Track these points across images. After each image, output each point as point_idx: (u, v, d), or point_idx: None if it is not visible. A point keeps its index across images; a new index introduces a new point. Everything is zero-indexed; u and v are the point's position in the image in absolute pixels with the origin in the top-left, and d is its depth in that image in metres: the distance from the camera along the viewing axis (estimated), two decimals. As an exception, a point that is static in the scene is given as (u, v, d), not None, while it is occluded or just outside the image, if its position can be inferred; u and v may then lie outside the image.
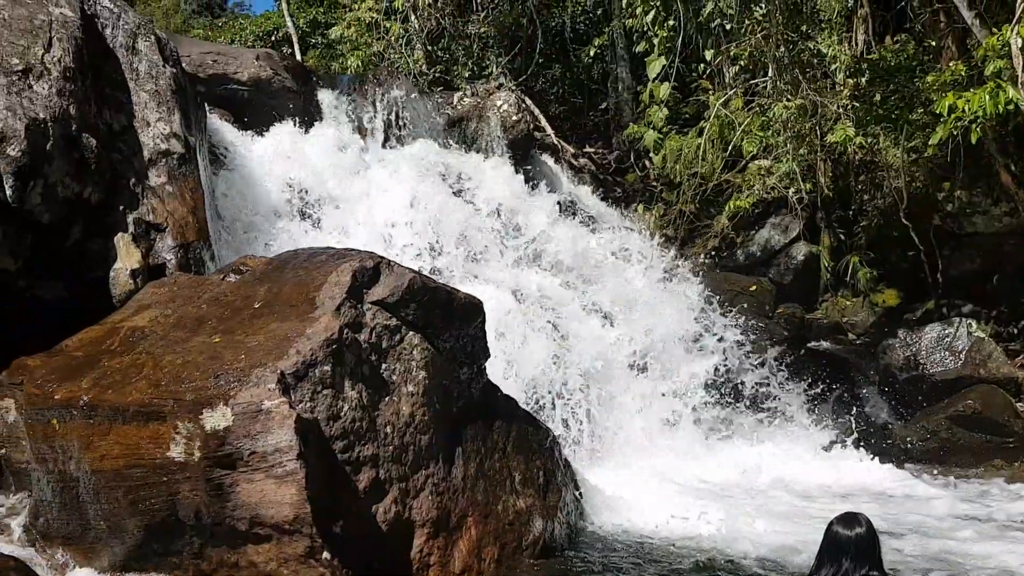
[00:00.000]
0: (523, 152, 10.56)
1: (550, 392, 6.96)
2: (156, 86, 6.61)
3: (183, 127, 6.56)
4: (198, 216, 6.10)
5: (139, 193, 6.03)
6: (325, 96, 9.10)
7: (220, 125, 7.80)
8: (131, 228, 5.88)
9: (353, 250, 5.05)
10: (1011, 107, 6.76)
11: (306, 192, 7.74)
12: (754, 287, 9.16)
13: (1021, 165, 8.28)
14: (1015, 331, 8.41)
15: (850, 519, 3.35)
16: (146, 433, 4.15)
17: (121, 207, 5.93)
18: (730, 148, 8.60)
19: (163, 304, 5.08)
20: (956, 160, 8.21)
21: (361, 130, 9.06)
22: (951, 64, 8.00)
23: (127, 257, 5.74)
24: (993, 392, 7.51)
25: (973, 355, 7.72)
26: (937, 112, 7.20)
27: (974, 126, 6.96)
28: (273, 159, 7.80)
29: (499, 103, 10.71)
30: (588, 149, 13.05)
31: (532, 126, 11.45)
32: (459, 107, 10.57)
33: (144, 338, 4.75)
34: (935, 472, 7.09)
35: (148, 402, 4.19)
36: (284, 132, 8.24)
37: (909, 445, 7.51)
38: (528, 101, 12.06)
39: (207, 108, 7.70)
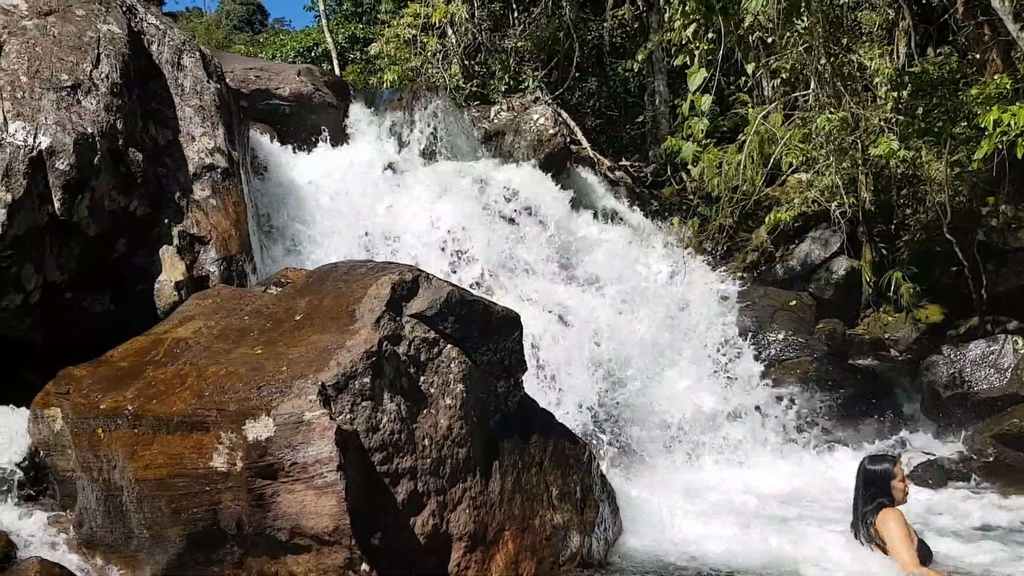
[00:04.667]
0: (559, 165, 10.57)
1: (591, 408, 6.94)
2: (201, 101, 6.73)
3: (227, 142, 6.67)
4: (240, 229, 6.19)
5: (183, 206, 6.14)
6: (363, 111, 9.19)
7: (262, 140, 7.92)
8: (175, 241, 5.99)
9: (392, 263, 5.09)
10: (1058, 120, 6.64)
11: (348, 205, 7.81)
12: (794, 302, 9.06)
13: (1068, 180, 8.12)
14: (1062, 348, 8.21)
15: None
16: (189, 443, 4.20)
17: (166, 220, 6.04)
18: (771, 162, 8.53)
19: (206, 315, 5.14)
20: (1001, 174, 8.07)
21: (399, 144, 9.14)
22: (995, 77, 7.87)
23: (171, 269, 5.84)
24: (1039, 410, 7.34)
25: (1020, 372, 7.54)
26: (982, 126, 7.09)
27: (1021, 140, 6.83)
28: (314, 173, 7.87)
29: (535, 116, 10.75)
30: (624, 162, 13.05)
31: (568, 139, 11.49)
32: (496, 121, 10.63)
33: (188, 349, 4.82)
34: (981, 491, 6.92)
35: (192, 412, 4.24)
36: (326, 148, 8.33)
37: (954, 465, 7.35)
38: (564, 114, 12.11)
39: (250, 123, 7.82)
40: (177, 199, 6.15)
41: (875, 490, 5.04)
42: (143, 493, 4.29)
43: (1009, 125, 6.77)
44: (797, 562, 5.00)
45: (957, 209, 8.62)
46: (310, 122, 8.59)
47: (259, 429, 3.99)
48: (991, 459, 7.27)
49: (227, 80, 7.39)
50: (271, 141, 8.04)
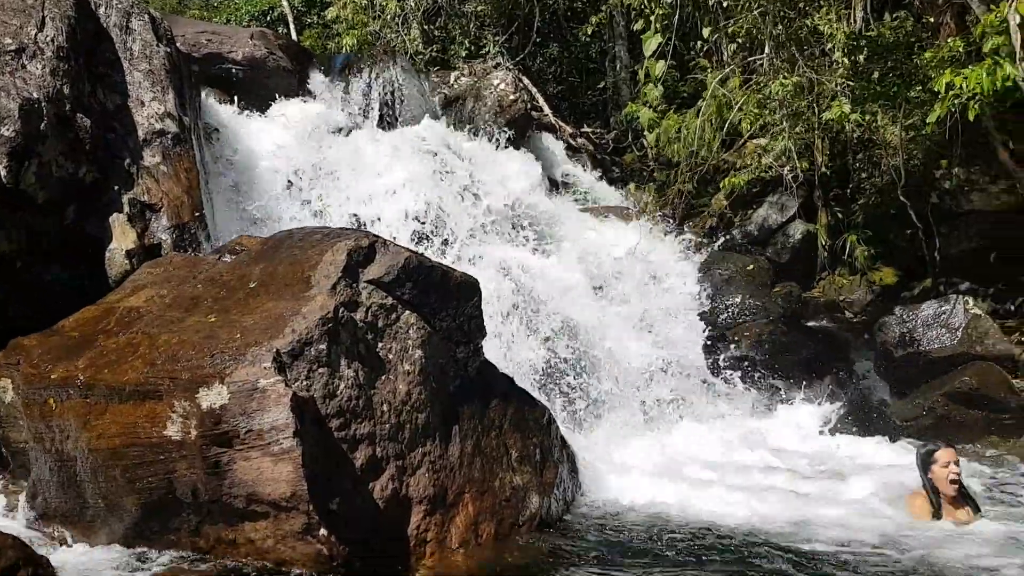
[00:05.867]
0: (520, 131, 10.52)
1: (549, 371, 7.00)
2: (150, 65, 6.59)
3: (177, 107, 6.55)
4: (193, 196, 6.10)
5: (134, 173, 6.03)
6: (320, 76, 9.05)
7: (214, 104, 7.77)
8: (126, 208, 5.89)
9: (348, 229, 5.06)
10: (1009, 84, 6.72)
11: (301, 172, 7.71)
12: (752, 266, 9.15)
13: (1019, 143, 8.24)
14: (1012, 308, 8.41)
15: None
16: (142, 412, 4.17)
17: (116, 187, 5.93)
18: (727, 126, 8.57)
19: (159, 284, 5.08)
20: (954, 138, 8.18)
21: (357, 110, 9.02)
22: (949, 41, 7.95)
23: (122, 237, 5.74)
24: (989, 369, 7.50)
25: (970, 332, 7.69)
26: (935, 89, 7.16)
27: (972, 103, 6.92)
28: (269, 140, 7.76)
29: (496, 82, 10.67)
30: (586, 129, 13.01)
31: (529, 105, 11.42)
32: (456, 86, 10.53)
33: (140, 318, 4.76)
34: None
35: (144, 381, 4.21)
36: (280, 112, 8.20)
37: (905, 422, 7.53)
38: (525, 80, 12.01)
39: (201, 88, 7.67)
40: (127, 166, 6.04)
41: (921, 473, 5.18)
42: (97, 463, 4.26)
43: (961, 88, 6.84)
44: (750, 517, 5.11)
45: (911, 172, 8.73)
46: (264, 87, 8.44)
47: (213, 397, 3.97)
48: (940, 416, 7.45)
49: (178, 44, 7.23)
50: (223, 105, 7.90)
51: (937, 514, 5.09)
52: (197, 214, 6.07)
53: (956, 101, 6.97)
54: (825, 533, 4.85)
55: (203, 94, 7.68)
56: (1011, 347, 7.82)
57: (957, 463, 5.15)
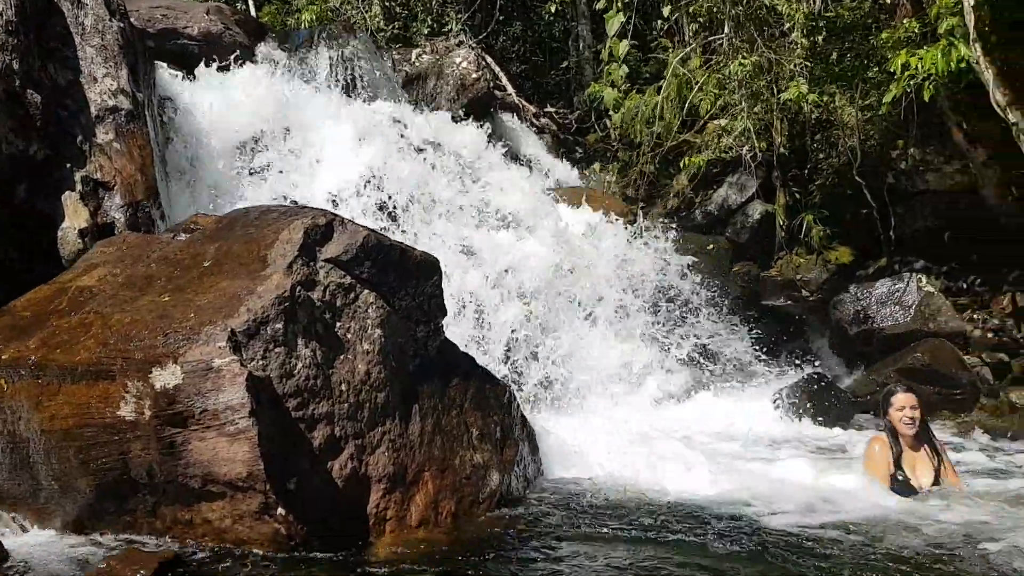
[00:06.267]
0: (483, 111, 10.47)
1: (510, 350, 7.03)
2: (103, 40, 6.44)
3: (131, 83, 6.42)
4: (147, 174, 6.00)
5: (86, 150, 5.91)
6: (278, 52, 8.91)
7: (170, 81, 7.63)
8: (79, 186, 5.77)
9: (305, 207, 5.00)
10: (963, 65, 6.85)
11: (260, 149, 7.61)
12: (712, 246, 9.27)
13: (973, 123, 8.39)
14: (964, 286, 8.60)
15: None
16: (95, 392, 4.11)
17: (68, 165, 5.81)
18: (686, 106, 8.62)
19: (112, 263, 4.99)
20: (910, 119, 8.31)
21: (317, 85, 8.90)
22: (906, 21, 8.05)
23: (75, 216, 5.64)
24: (941, 345, 7.68)
25: (923, 309, 7.87)
26: (891, 70, 7.27)
27: (927, 84, 7.04)
28: (225, 115, 7.63)
29: (458, 60, 10.59)
30: (549, 109, 13.00)
31: (492, 84, 11.37)
32: (417, 64, 10.44)
33: (93, 297, 4.68)
34: (879, 419, 7.25)
35: (97, 361, 4.14)
36: (238, 83, 8.04)
37: (859, 398, 7.68)
38: (488, 59, 11.95)
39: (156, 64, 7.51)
40: (79, 143, 5.91)
41: (881, 415, 5.39)
42: (50, 444, 4.20)
43: (917, 69, 6.95)
44: (710, 493, 5.19)
45: (868, 153, 8.86)
46: (220, 60, 8.27)
47: (167, 377, 3.93)
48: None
49: (132, 19, 7.08)
50: (180, 80, 7.75)
51: (897, 462, 5.17)
52: (151, 192, 5.97)
53: (912, 82, 7.09)
54: (783, 507, 4.93)
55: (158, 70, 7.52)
56: (963, 324, 8.01)
57: (914, 408, 5.17)
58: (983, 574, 3.90)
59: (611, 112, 10.71)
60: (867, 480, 5.22)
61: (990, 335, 8.00)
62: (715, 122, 9.79)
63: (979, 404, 7.42)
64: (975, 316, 8.20)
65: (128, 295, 4.54)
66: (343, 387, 4.54)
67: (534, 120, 12.15)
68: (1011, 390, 7.44)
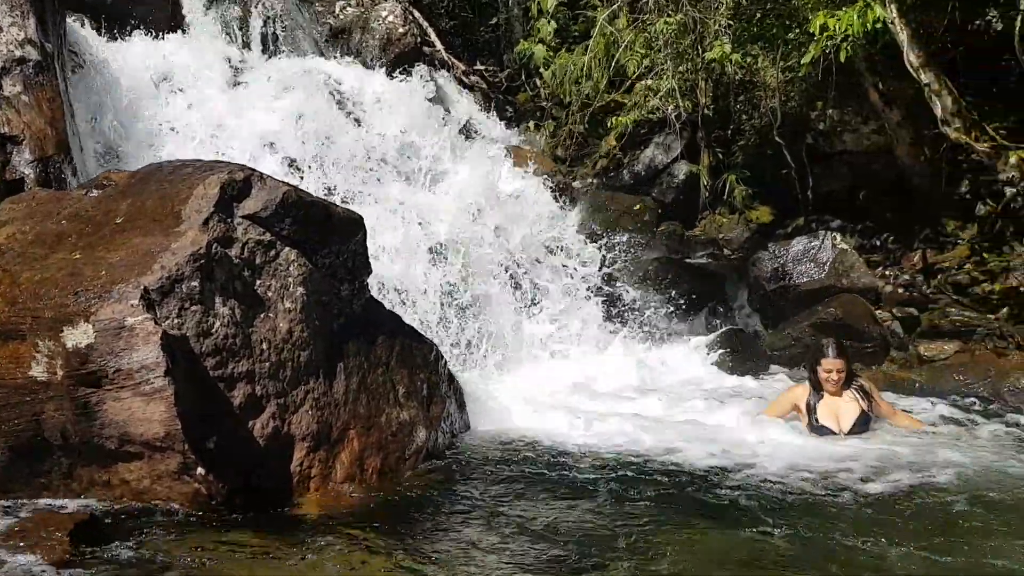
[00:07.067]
0: (410, 67, 10.31)
1: (440, 307, 7.06)
2: (6, -12, 6.13)
3: (39, 33, 6.14)
4: (57, 128, 5.77)
5: (-9, 103, 5.66)
6: (194, 3, 8.60)
7: (80, 31, 7.31)
8: (-16, 141, 5.53)
9: (222, 162, 4.89)
10: (879, 26, 7.02)
11: (178, 105, 7.38)
12: (638, 206, 9.41)
13: (888, 84, 8.63)
14: (877, 243, 8.91)
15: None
16: (5, 353, 4.00)
17: (-29, 118, 5.56)
18: (614, 65, 8.65)
19: (21, 220, 4.81)
20: (828, 80, 8.50)
21: (235, 40, 8.64)
22: (824, -17, 8.17)
23: (-21, 172, 5.41)
24: (854, 300, 7.95)
25: (837, 266, 8.12)
26: (811, 31, 7.40)
27: (844, 45, 7.19)
28: (140, 68, 7.37)
29: (384, 14, 10.39)
30: (479, 67, 12.85)
31: (420, 40, 11.18)
32: (341, 17, 10.19)
33: (1, 255, 4.52)
34: (793, 370, 7.56)
35: (6, 321, 4.03)
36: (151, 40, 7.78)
37: (775, 351, 7.94)
38: (416, 13, 11.72)
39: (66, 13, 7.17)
40: (-17, 96, 5.65)
41: (808, 368, 5.78)
42: (-43, 407, 4.07)
43: (834, 30, 7.09)
44: (633, 444, 5.35)
45: (788, 114, 9.06)
46: (136, 13, 7.96)
47: (78, 336, 3.84)
48: (807, 346, 7.84)
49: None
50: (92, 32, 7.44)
51: (813, 408, 5.59)
52: (62, 147, 5.76)
53: (830, 43, 7.23)
54: (700, 454, 5.15)
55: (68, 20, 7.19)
56: (875, 280, 8.30)
57: (840, 371, 5.60)
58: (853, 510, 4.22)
59: (541, 70, 10.67)
60: (768, 421, 5.64)
61: (901, 290, 8.31)
62: (642, 82, 9.86)
63: (889, 357, 7.71)
64: (887, 272, 8.49)
65: (38, 253, 4.40)
66: (264, 346, 4.50)
67: (463, 78, 12.02)
68: (920, 343, 7.73)
